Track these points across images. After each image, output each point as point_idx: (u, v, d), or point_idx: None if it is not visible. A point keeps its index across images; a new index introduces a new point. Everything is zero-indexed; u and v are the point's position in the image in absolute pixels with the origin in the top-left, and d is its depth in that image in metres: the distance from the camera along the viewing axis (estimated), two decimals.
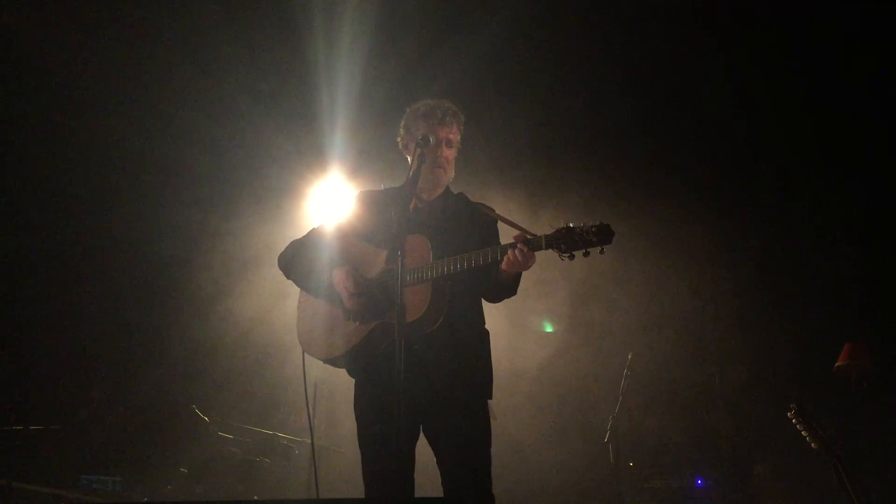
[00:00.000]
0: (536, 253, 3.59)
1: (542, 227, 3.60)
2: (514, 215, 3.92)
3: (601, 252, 3.46)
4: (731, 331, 8.30)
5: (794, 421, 4.96)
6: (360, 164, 8.08)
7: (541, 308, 8.32)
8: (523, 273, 3.77)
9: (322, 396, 7.04)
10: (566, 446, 8.11)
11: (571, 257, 3.50)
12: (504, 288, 3.86)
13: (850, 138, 7.65)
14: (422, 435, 3.87)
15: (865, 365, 6.74)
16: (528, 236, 3.57)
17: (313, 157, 8.22)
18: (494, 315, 4.00)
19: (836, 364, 6.80)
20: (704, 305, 8.48)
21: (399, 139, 4.16)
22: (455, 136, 4.07)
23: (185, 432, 7.43)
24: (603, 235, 3.42)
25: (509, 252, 3.56)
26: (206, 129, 7.92)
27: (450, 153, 4.04)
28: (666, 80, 8.00)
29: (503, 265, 3.59)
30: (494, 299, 3.98)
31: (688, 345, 8.22)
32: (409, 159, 4.00)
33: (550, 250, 3.53)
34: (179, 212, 8.23)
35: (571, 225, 3.49)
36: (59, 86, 7.59)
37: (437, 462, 3.80)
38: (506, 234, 3.85)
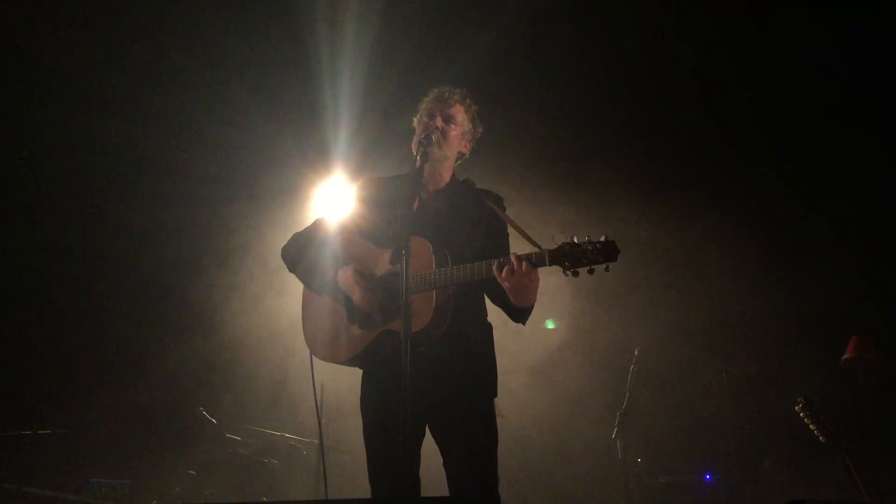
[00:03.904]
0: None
1: (548, 232, 3.56)
2: (520, 216, 3.87)
3: (606, 269, 3.41)
4: (737, 325, 8.29)
5: (801, 415, 4.94)
6: (364, 163, 8.07)
7: (547, 303, 8.31)
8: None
9: (329, 396, 7.05)
10: (574, 442, 8.11)
11: (576, 274, 3.44)
12: (521, 311, 3.80)
13: (858, 128, 7.63)
14: (427, 433, 3.86)
15: (872, 357, 6.72)
16: (534, 248, 3.52)
17: (317, 158, 8.22)
18: (498, 309, 3.96)
19: (843, 357, 6.79)
20: (711, 300, 8.47)
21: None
22: (457, 114, 4.02)
23: (194, 434, 7.44)
24: (608, 253, 3.39)
25: (506, 268, 3.49)
26: (209, 130, 7.91)
27: (447, 127, 3.96)
28: (669, 79, 7.98)
29: (505, 280, 3.50)
30: (517, 320, 3.89)
31: (694, 339, 8.20)
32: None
33: (553, 266, 3.48)
34: (184, 213, 8.24)
35: (576, 240, 3.43)
36: (62, 86, 7.61)
37: (444, 462, 3.79)
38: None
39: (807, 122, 7.79)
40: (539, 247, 3.52)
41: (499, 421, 3.92)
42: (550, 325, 8.62)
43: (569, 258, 3.42)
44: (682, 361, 8.11)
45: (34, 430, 6.87)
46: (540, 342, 8.33)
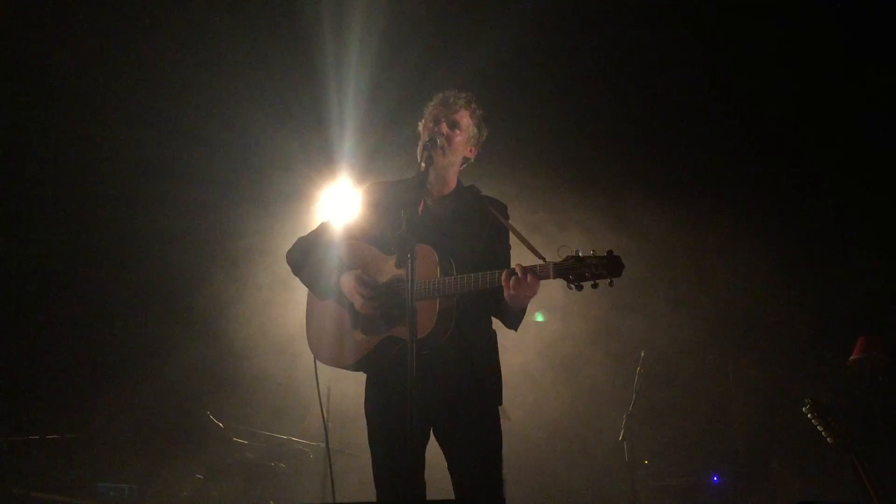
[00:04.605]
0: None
1: (563, 237, 3.56)
2: (534, 217, 3.87)
3: (610, 284, 3.41)
4: (744, 326, 8.27)
5: (809, 416, 4.93)
6: (370, 166, 8.07)
7: (560, 302, 8.31)
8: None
9: (335, 400, 7.05)
10: (581, 445, 8.09)
11: (580, 288, 3.44)
12: (514, 314, 3.82)
13: (869, 134, 7.62)
14: (432, 437, 3.85)
15: (880, 358, 6.71)
16: (539, 260, 3.51)
17: (323, 161, 8.23)
18: None
19: (851, 358, 6.77)
20: (717, 301, 8.45)
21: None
22: (463, 119, 3.98)
23: (201, 439, 7.45)
24: (613, 268, 3.39)
25: (513, 278, 3.49)
26: (215, 134, 7.93)
27: (452, 133, 3.94)
28: (682, 81, 7.97)
29: (510, 289, 3.50)
30: (509, 325, 3.90)
31: (701, 341, 8.19)
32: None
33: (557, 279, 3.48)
34: (188, 218, 8.24)
35: (581, 254, 3.43)
36: (67, 90, 7.62)
37: (448, 466, 3.79)
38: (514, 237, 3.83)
39: (818, 126, 7.78)
40: (543, 259, 3.52)
41: (506, 424, 3.92)
42: (539, 317, 8.58)
43: (573, 272, 3.42)
44: (688, 363, 8.10)
45: (42, 434, 6.88)
46: (556, 342, 8.32)
